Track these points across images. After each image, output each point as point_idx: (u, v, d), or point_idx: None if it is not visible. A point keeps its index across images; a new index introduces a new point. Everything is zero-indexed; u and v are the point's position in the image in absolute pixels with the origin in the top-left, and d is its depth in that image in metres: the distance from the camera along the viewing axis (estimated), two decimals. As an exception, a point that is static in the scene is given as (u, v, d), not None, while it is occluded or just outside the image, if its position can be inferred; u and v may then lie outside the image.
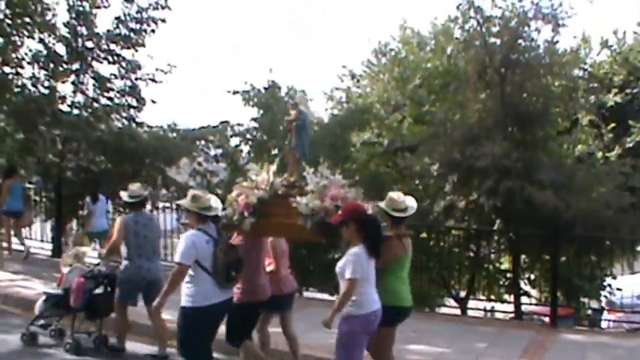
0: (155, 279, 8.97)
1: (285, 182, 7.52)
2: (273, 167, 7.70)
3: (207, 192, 7.66)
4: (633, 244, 14.88)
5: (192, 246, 6.98)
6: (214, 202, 7.41)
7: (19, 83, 16.67)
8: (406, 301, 7.42)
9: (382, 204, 7.32)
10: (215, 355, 7.75)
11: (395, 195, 7.37)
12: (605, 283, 15.41)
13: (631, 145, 16.27)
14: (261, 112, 18.22)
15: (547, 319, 12.45)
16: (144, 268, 8.99)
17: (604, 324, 15.80)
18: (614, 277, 15.48)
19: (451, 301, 15.97)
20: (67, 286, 9.19)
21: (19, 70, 16.64)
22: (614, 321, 15.03)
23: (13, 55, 16.37)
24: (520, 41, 15.49)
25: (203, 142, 18.97)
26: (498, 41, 15.56)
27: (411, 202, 7.41)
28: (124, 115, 18.06)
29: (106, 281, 9.27)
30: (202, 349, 7.27)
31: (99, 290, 9.23)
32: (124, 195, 9.36)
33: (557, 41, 15.72)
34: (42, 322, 9.59)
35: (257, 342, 8.39)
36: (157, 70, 17.83)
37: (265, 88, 18.46)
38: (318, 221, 6.99)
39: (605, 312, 15.78)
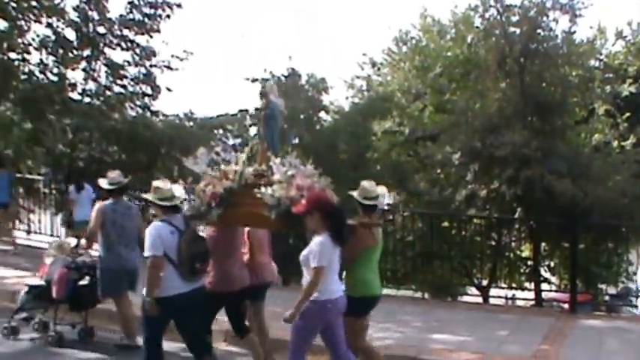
0: (133, 268, 8.91)
1: (255, 172, 7.38)
2: (243, 157, 7.60)
3: (168, 182, 7.50)
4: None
5: (157, 237, 6.90)
6: (177, 191, 7.33)
7: (26, 70, 16.27)
8: (376, 289, 7.41)
9: (354, 193, 7.32)
10: (233, 348, 8.09)
11: (367, 183, 7.35)
12: (629, 270, 15.75)
13: (645, 134, 16.42)
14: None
15: (566, 306, 12.61)
16: (123, 256, 8.88)
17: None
18: (631, 264, 15.69)
19: (473, 290, 16.23)
20: (50, 277, 8.99)
21: (26, 56, 16.25)
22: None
23: (19, 41, 15.96)
24: (539, 31, 15.58)
25: (221, 130, 18.75)
26: (518, 30, 15.66)
27: (382, 191, 7.42)
28: (138, 103, 17.80)
29: (91, 272, 9.09)
30: (160, 339, 7.22)
31: (83, 281, 9.06)
32: (102, 182, 9.16)
33: (575, 32, 15.89)
34: (25, 314, 9.37)
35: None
36: (172, 56, 17.52)
37: (285, 76, 18.56)
38: (283, 211, 6.84)
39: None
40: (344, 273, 7.24)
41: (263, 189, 7.04)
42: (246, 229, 7.99)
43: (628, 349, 9.37)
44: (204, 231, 7.74)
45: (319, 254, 6.49)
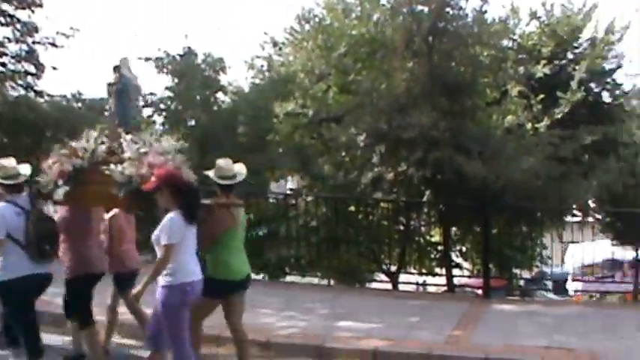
0: None
1: (107, 149, 7.34)
2: (95, 133, 7.40)
3: (13, 160, 7.30)
4: (561, 213, 15.08)
5: (0, 219, 6.77)
6: (23, 170, 7.21)
7: None
8: (238, 274, 7.27)
9: (210, 172, 7.25)
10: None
11: (222, 162, 7.26)
12: (544, 253, 15.87)
13: (559, 116, 16.17)
14: (176, 80, 17.31)
15: (480, 292, 12.45)
16: None
17: (571, 292, 16.24)
18: (545, 247, 15.66)
19: (382, 276, 15.79)
20: None
21: None
22: (583, 291, 15.44)
23: None
24: (448, 9, 15.05)
25: (112, 112, 18.08)
26: (426, 9, 15.05)
27: (239, 169, 7.34)
28: (20, 82, 17.18)
29: None
30: (31, 319, 7.07)
31: None
32: None
33: (486, 11, 15.42)
34: None
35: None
36: (57, 33, 17.02)
37: (180, 55, 17.56)
38: (133, 189, 6.81)
39: (570, 280, 16.01)
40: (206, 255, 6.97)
41: (113, 167, 6.98)
42: (108, 215, 8.04)
43: (541, 333, 9.34)
44: (55, 212, 7.55)
45: (169, 231, 6.33)
